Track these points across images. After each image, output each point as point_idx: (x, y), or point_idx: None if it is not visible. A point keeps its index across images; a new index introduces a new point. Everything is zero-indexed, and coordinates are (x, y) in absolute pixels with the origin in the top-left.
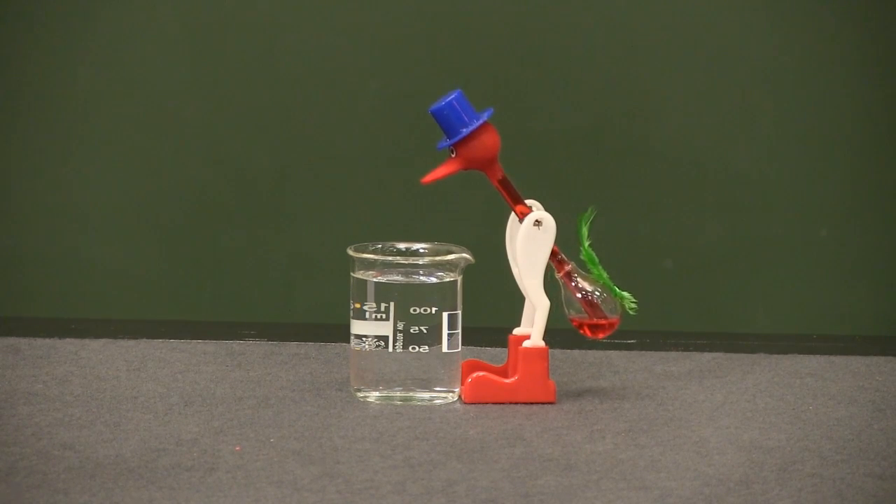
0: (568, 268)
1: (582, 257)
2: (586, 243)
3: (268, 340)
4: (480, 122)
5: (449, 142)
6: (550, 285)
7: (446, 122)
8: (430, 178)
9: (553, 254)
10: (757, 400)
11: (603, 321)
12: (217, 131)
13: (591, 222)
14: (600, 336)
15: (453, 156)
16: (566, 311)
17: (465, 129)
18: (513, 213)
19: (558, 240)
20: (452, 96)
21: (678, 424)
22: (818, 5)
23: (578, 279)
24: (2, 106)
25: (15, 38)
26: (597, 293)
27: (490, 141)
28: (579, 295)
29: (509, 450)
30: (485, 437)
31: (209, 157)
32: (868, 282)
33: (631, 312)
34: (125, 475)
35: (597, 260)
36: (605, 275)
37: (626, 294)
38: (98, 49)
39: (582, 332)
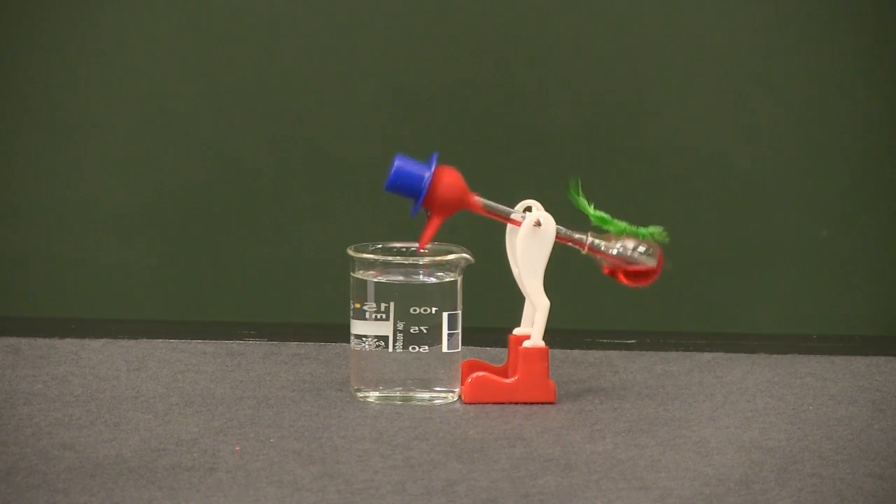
0: (589, 241)
1: (595, 224)
2: (591, 209)
3: (268, 340)
4: (430, 172)
5: (417, 204)
6: (554, 284)
7: (405, 190)
8: (424, 242)
9: (566, 238)
10: (757, 400)
11: (644, 268)
12: (217, 131)
13: (580, 190)
14: (644, 283)
15: (430, 213)
16: (603, 266)
17: (422, 187)
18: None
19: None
20: (395, 165)
21: (678, 424)
22: (818, 5)
23: (603, 245)
24: (2, 106)
25: (15, 37)
26: (639, 249)
27: (450, 181)
28: (615, 252)
29: (509, 450)
30: (485, 437)
31: (209, 157)
32: (868, 282)
33: (665, 241)
34: (125, 475)
35: (608, 217)
36: (622, 224)
37: (652, 229)
38: (98, 49)
39: (618, 280)
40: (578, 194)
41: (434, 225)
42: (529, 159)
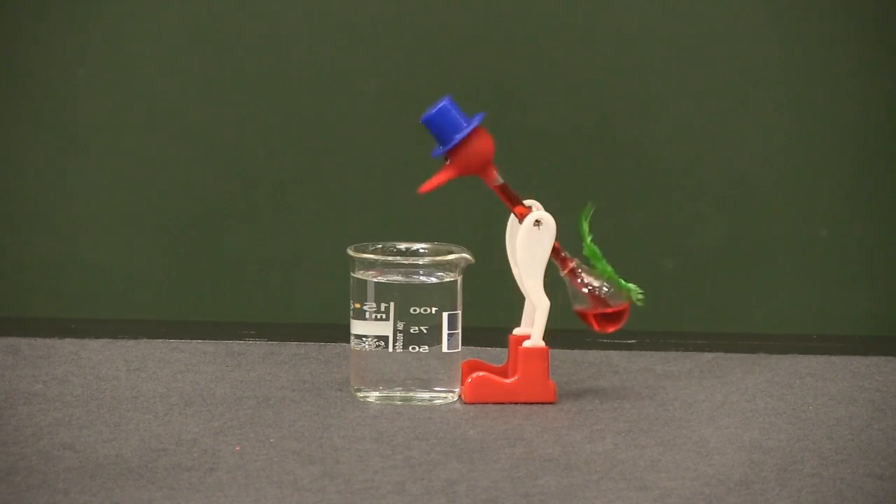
0: (572, 265)
1: (585, 253)
2: (588, 239)
3: (268, 340)
4: (472, 127)
5: (442, 149)
6: (554, 284)
7: (438, 130)
8: (426, 187)
9: (556, 252)
10: (757, 400)
11: (610, 310)
12: (217, 131)
13: (590, 218)
14: (609, 329)
15: (448, 163)
16: (572, 303)
17: (457, 136)
18: (513, 214)
19: (560, 240)
20: (442, 103)
21: (678, 424)
22: (818, 5)
23: (583, 275)
24: (1, 106)
25: (15, 37)
26: (604, 288)
27: (483, 146)
28: (586, 290)
29: (509, 450)
30: (485, 437)
31: (209, 157)
32: (868, 282)
33: (638, 303)
34: (125, 475)
35: (600, 254)
36: (609, 269)
37: (632, 286)
38: (98, 49)
39: (587, 322)
40: (585, 220)
41: (446, 175)
42: (530, 159)
